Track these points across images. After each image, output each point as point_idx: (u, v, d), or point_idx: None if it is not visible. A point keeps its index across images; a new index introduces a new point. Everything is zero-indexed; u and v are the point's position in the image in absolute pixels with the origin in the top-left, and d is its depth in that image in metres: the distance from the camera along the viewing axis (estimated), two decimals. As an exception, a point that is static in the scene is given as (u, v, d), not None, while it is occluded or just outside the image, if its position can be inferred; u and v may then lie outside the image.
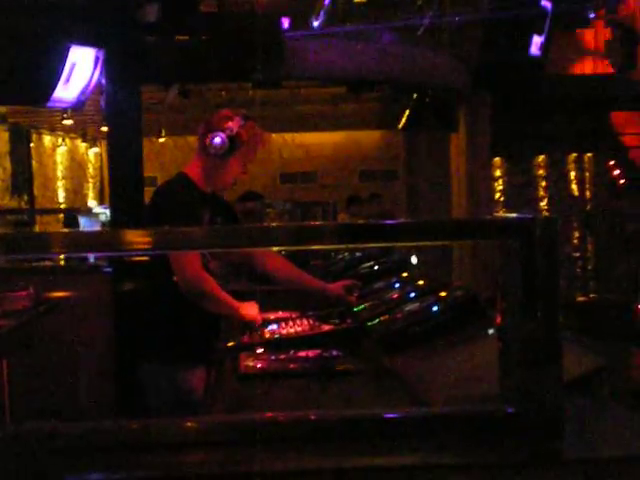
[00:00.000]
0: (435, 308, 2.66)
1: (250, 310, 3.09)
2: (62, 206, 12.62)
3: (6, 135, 11.33)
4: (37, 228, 10.65)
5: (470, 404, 1.78)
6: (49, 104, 4.64)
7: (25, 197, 11.18)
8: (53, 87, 4.47)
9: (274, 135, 12.52)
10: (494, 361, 1.67)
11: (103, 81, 4.77)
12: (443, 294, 2.80)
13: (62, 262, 5.12)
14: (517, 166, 9.72)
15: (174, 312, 3.04)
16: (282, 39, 5.37)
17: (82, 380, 4.46)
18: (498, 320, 1.66)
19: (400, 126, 9.91)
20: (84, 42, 4.59)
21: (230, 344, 2.99)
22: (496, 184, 9.55)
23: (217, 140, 3.06)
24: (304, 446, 1.58)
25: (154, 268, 3.04)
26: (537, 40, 6.49)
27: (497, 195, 9.41)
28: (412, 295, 3.00)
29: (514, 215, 1.61)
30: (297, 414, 1.67)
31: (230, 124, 3.07)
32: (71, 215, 8.96)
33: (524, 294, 1.54)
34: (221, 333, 3.20)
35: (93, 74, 4.67)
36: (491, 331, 2.36)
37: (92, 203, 13.24)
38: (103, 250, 1.99)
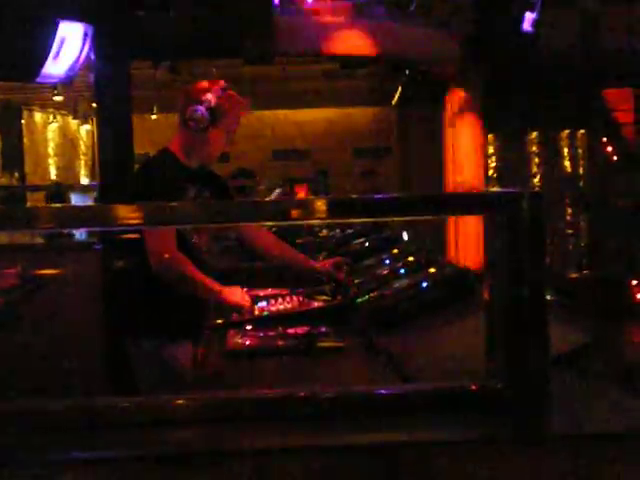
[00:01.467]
0: (425, 284, 2.65)
1: (234, 295, 3.03)
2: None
3: (-4, 112, 11.27)
4: (28, 205, 10.62)
5: (458, 380, 1.78)
6: (38, 79, 4.59)
7: (16, 174, 11.13)
8: (42, 62, 4.42)
9: (266, 112, 12.47)
10: (483, 338, 1.67)
11: (92, 57, 4.73)
12: (433, 270, 2.79)
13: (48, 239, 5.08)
14: (510, 143, 9.69)
15: (159, 288, 3.00)
16: (273, 15, 5.32)
17: (70, 357, 4.45)
18: (485, 295, 1.65)
19: (393, 103, 9.87)
20: (73, 17, 4.54)
21: (219, 321, 2.98)
22: (489, 161, 9.53)
23: (197, 113, 3.01)
24: (290, 423, 1.58)
25: (140, 245, 2.99)
26: (530, 16, 6.45)
27: (490, 172, 9.39)
28: (402, 271, 3.00)
29: (500, 189, 1.60)
30: (283, 391, 1.67)
31: (208, 96, 3.01)
32: (56, 189, 8.64)
33: (510, 269, 1.53)
34: (209, 309, 3.18)
35: (82, 49, 4.62)
36: (481, 308, 2.36)
37: (84, 180, 13.20)
38: (92, 225, 1.98)
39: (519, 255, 1.51)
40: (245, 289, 3.33)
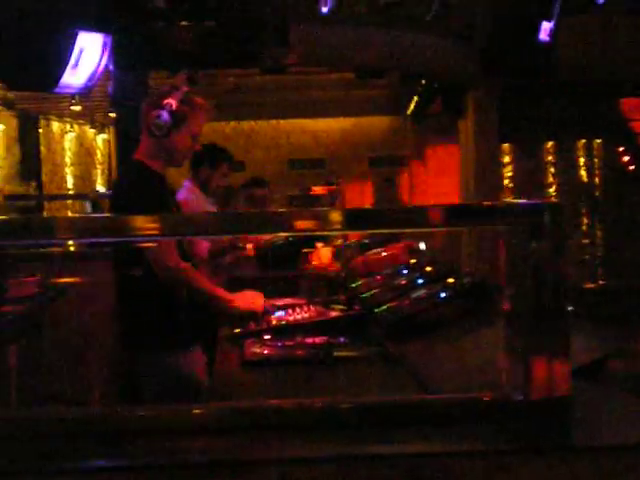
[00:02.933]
0: (443, 295, 2.65)
1: (245, 301, 3.00)
2: (70, 192, 12.64)
3: (15, 121, 11.33)
4: (46, 214, 10.68)
5: (477, 391, 1.78)
6: (57, 90, 4.63)
7: (33, 183, 11.19)
8: (61, 73, 4.46)
9: (282, 121, 12.50)
10: (502, 348, 1.67)
11: (111, 67, 4.76)
12: (451, 281, 2.79)
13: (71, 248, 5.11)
14: (526, 152, 9.67)
15: (168, 297, 2.97)
16: (290, 25, 5.34)
17: (89, 365, 4.47)
18: (505, 306, 1.65)
19: (409, 112, 9.87)
20: (92, 28, 4.58)
21: (236, 330, 2.99)
22: (505, 170, 9.50)
23: (159, 118, 2.97)
24: (308, 433, 1.58)
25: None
26: (546, 26, 6.44)
27: (506, 181, 9.36)
28: (420, 281, 3.00)
29: (521, 201, 1.60)
30: (301, 401, 1.67)
31: (170, 100, 2.97)
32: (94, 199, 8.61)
33: (531, 279, 1.53)
34: (221, 317, 3.17)
35: (101, 60, 4.66)
36: (499, 318, 2.36)
37: (100, 189, 13.26)
38: (108, 236, 1.98)
39: (540, 266, 1.51)
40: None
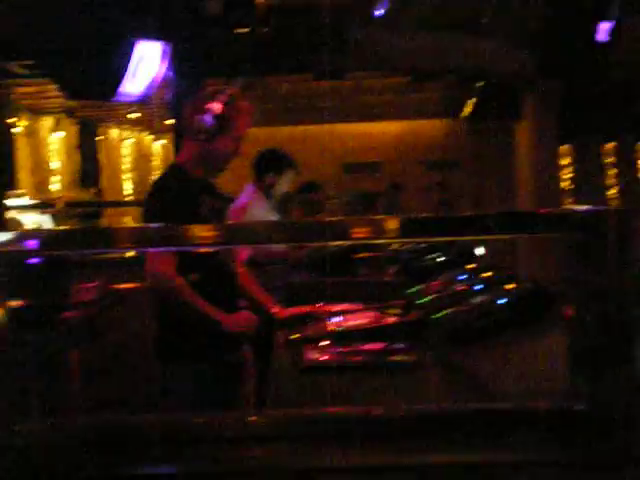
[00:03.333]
0: (502, 301, 2.62)
1: (237, 323, 2.91)
2: (129, 198, 12.83)
3: (75, 128, 11.57)
4: (104, 220, 10.88)
5: (537, 400, 1.75)
6: (117, 98, 4.71)
7: (93, 190, 11.40)
8: (121, 81, 4.54)
9: (337, 125, 12.51)
10: (563, 357, 1.64)
11: (169, 74, 4.83)
12: (510, 287, 2.75)
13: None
14: (585, 154, 9.51)
15: (218, 301, 2.90)
16: (345, 30, 5.35)
17: (148, 371, 4.52)
18: (568, 315, 1.62)
19: (464, 115, 9.80)
20: (151, 37, 4.65)
21: (294, 336, 2.99)
22: (563, 172, 9.36)
23: (203, 122, 2.92)
24: (366, 441, 1.57)
25: (182, 259, 2.87)
26: (605, 26, 6.34)
27: (565, 184, 9.22)
28: (478, 287, 2.96)
29: (585, 207, 1.56)
30: (361, 409, 1.66)
31: (214, 104, 2.92)
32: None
33: (596, 288, 1.50)
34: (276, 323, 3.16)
35: (159, 68, 4.73)
36: (560, 326, 2.32)
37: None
38: (167, 245, 2.00)
39: (605, 274, 1.48)
40: (319, 304, 3.34)
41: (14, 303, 1.52)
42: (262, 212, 4.59)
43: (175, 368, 2.95)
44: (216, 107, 2.92)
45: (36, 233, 1.67)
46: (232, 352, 3.04)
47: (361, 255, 4.99)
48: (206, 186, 3.06)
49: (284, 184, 4.81)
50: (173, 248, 2.32)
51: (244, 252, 3.29)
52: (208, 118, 2.92)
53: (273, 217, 4.62)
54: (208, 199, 3.02)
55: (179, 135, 5.04)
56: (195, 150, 3.01)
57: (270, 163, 4.75)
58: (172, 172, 3.13)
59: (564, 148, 9.28)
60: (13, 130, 9.64)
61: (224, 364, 2.99)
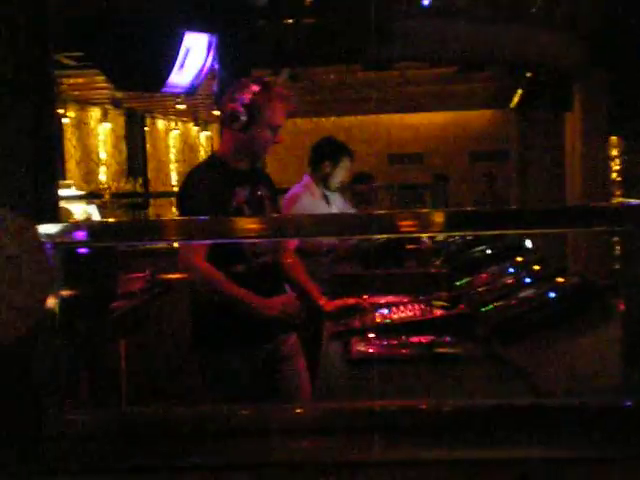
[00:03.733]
0: (551, 295, 2.59)
1: (273, 308, 2.87)
2: (175, 189, 12.96)
3: (122, 119, 11.70)
4: (151, 210, 10.99)
5: (586, 394, 1.73)
6: (164, 89, 4.73)
7: (140, 180, 11.53)
8: (168, 73, 4.56)
9: (382, 116, 12.46)
10: (612, 351, 1.61)
11: (215, 66, 4.84)
12: (559, 280, 2.72)
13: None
14: (636, 145, 9.34)
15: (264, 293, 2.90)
16: (392, 19, 5.31)
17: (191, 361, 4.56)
18: (620, 309, 1.60)
19: (512, 105, 9.68)
20: (198, 28, 4.66)
21: (341, 328, 2.99)
22: (613, 164, 9.21)
23: (234, 111, 2.93)
24: (413, 435, 1.57)
25: (219, 250, 2.86)
26: (658, 14, 6.20)
27: (614, 175, 9.07)
28: (527, 281, 2.93)
29: (635, 201, 1.54)
30: (407, 402, 1.66)
31: (243, 94, 2.93)
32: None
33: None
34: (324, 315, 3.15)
35: (206, 59, 4.74)
36: (610, 320, 2.29)
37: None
38: (212, 238, 2.01)
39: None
40: (365, 296, 3.34)
41: (66, 293, 1.54)
42: (311, 202, 4.57)
43: (211, 358, 2.96)
44: (246, 97, 2.93)
45: (87, 225, 1.69)
46: (271, 342, 3.03)
47: (408, 247, 4.97)
48: (245, 176, 3.06)
49: (340, 173, 4.77)
50: (220, 240, 2.33)
51: (293, 242, 3.28)
52: (239, 108, 2.93)
53: (323, 208, 4.60)
54: (244, 190, 3.01)
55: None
56: (232, 140, 3.03)
57: (327, 152, 4.73)
58: (208, 162, 3.17)
59: (614, 139, 9.12)
60: (62, 121, 9.78)
61: (263, 354, 3.00)
